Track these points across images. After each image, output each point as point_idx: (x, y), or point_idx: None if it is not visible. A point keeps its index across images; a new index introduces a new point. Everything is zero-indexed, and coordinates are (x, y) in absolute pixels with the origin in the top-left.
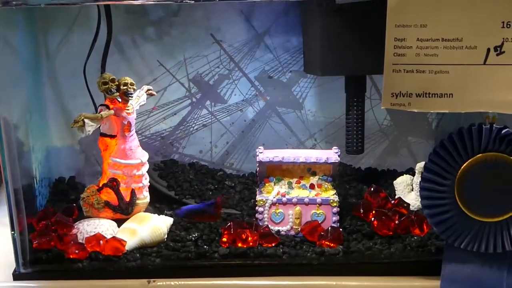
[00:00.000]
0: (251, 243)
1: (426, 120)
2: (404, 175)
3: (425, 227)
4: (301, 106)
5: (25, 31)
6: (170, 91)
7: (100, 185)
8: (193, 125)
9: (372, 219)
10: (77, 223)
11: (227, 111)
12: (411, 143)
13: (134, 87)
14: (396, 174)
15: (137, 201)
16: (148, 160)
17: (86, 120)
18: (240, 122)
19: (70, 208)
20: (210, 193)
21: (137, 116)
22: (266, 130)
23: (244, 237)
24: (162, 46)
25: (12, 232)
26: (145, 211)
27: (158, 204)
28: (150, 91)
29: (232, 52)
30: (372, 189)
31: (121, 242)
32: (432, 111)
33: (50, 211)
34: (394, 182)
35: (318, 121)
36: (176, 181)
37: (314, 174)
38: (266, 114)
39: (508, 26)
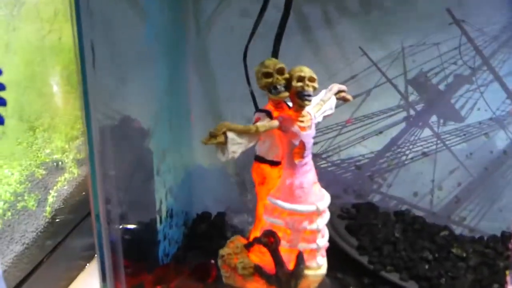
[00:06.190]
0: None
1: None
2: None
3: None
4: None
5: None
6: (375, 96)
7: (251, 239)
8: (407, 152)
9: None
10: None
11: (464, 135)
12: None
13: (316, 84)
14: None
15: (306, 272)
16: (331, 203)
17: (229, 135)
18: (484, 153)
19: (205, 266)
20: (427, 266)
21: (318, 133)
22: None
23: None
24: (369, 27)
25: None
26: (319, 287)
27: (340, 274)
28: (343, 94)
29: (480, 41)
30: None
31: None
32: None
33: (171, 268)
34: None
35: None
36: (372, 240)
37: None
38: None
39: None
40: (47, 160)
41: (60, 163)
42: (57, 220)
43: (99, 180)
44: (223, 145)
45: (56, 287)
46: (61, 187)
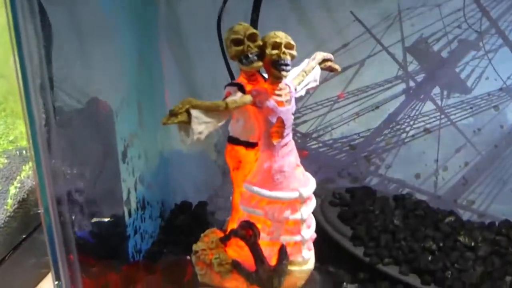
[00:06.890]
0: None
1: None
2: None
3: None
4: None
5: None
6: (370, 66)
7: (227, 232)
8: (407, 129)
9: None
10: None
11: (471, 108)
12: None
13: (294, 52)
14: None
15: (291, 267)
16: (320, 187)
17: (194, 113)
18: (493, 128)
19: (179, 263)
20: (430, 257)
21: (307, 110)
22: None
23: None
24: None
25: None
26: (306, 284)
27: (333, 268)
28: (329, 64)
29: (487, 0)
30: None
31: None
32: None
33: (140, 266)
34: None
35: None
36: (368, 229)
37: None
38: None
39: None
40: (10, 148)
41: (24, 151)
42: (21, 213)
43: (45, 169)
44: (186, 125)
45: (23, 286)
46: (26, 177)
